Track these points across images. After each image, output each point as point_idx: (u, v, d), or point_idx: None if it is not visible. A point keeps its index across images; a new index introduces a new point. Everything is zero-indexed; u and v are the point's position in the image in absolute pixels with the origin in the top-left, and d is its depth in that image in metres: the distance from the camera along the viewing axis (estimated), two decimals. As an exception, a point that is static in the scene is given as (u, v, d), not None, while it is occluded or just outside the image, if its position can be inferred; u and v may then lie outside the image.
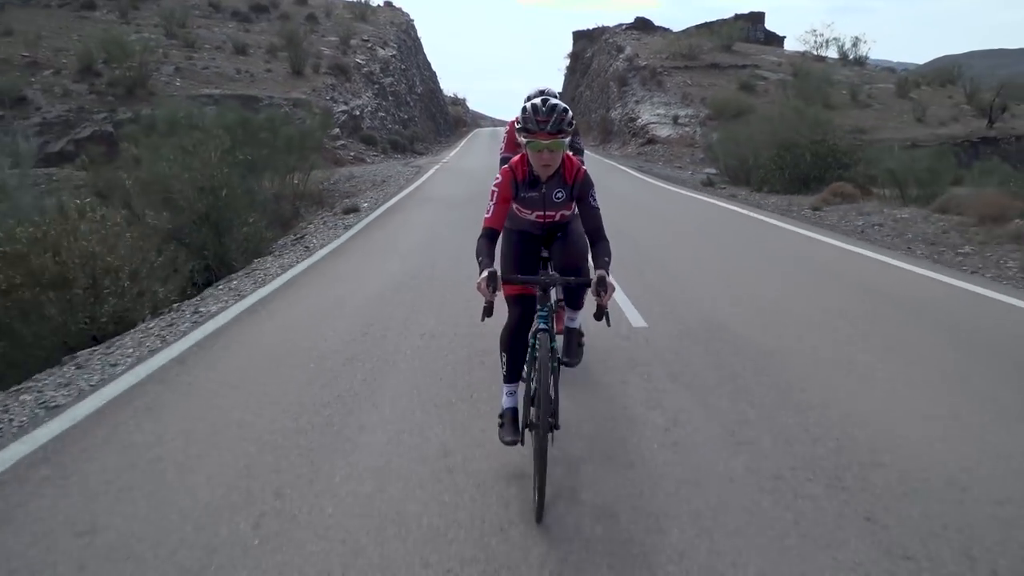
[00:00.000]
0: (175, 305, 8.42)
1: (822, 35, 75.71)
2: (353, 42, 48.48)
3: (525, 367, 4.40)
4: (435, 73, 73.81)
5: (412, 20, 65.44)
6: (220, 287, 9.66)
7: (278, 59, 41.64)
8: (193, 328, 7.53)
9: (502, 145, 6.48)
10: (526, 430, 4.20)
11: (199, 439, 4.88)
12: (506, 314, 4.44)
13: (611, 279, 3.96)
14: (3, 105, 31.22)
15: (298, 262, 11.11)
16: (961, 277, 9.56)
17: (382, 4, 65.52)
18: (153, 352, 6.80)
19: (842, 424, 4.95)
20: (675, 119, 42.22)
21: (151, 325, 7.60)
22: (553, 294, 4.92)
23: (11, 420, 5.44)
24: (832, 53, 60.31)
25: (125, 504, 4.04)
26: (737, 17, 64.52)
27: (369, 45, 49.63)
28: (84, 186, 19.81)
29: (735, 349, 6.64)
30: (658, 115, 43.43)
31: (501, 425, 4.47)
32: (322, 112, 28.50)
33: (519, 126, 4.14)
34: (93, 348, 7.07)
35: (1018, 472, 4.25)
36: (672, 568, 3.36)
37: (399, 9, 66.01)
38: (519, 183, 4.37)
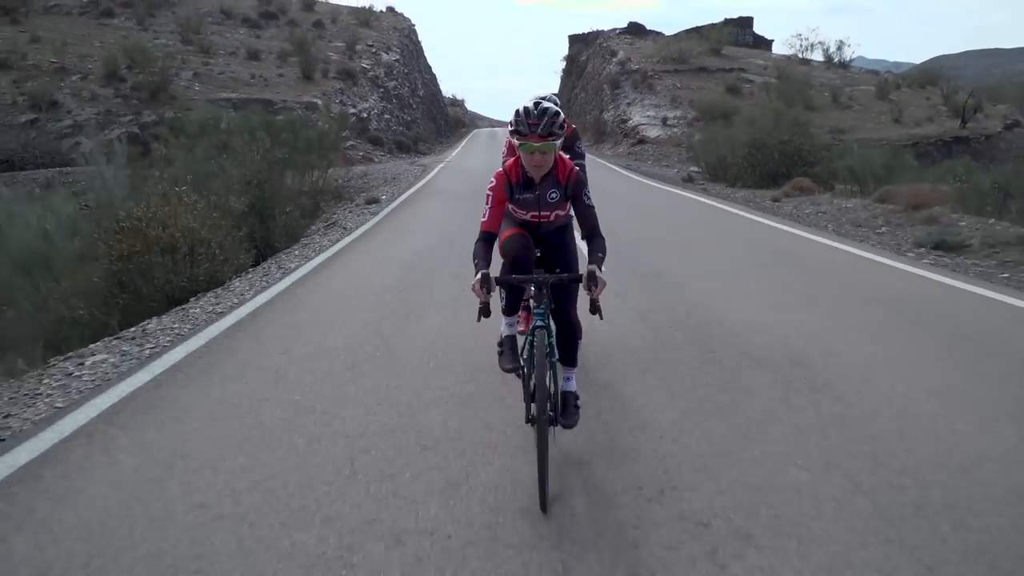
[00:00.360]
0: (251, 269, 11.02)
1: (807, 39, 77.74)
2: (359, 47, 50.98)
3: (524, 365, 4.58)
4: (435, 76, 76.46)
5: (413, 25, 68.19)
6: (285, 254, 12.42)
7: (289, 64, 44.10)
8: (284, 277, 10.39)
9: (504, 150, 6.60)
10: (529, 423, 4.35)
11: (327, 318, 8.07)
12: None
13: (602, 274, 4.09)
14: (38, 109, 33.72)
15: (342, 238, 13.74)
16: (860, 247, 12.08)
17: (384, 9, 68.09)
18: (261, 291, 9.52)
19: (722, 311, 7.66)
20: (664, 120, 44.72)
21: (238, 284, 10.10)
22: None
23: (158, 340, 7.82)
24: (818, 56, 62.91)
25: (300, 343, 7.09)
26: (726, 22, 67.12)
27: (374, 50, 52.14)
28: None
29: (668, 280, 9.58)
30: (648, 117, 45.94)
31: (500, 353, 4.93)
32: (339, 116, 30.89)
33: (511, 128, 4.29)
34: (197, 297, 9.52)
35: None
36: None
37: (401, 14, 68.72)
38: (513, 185, 4.52)
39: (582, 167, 5.94)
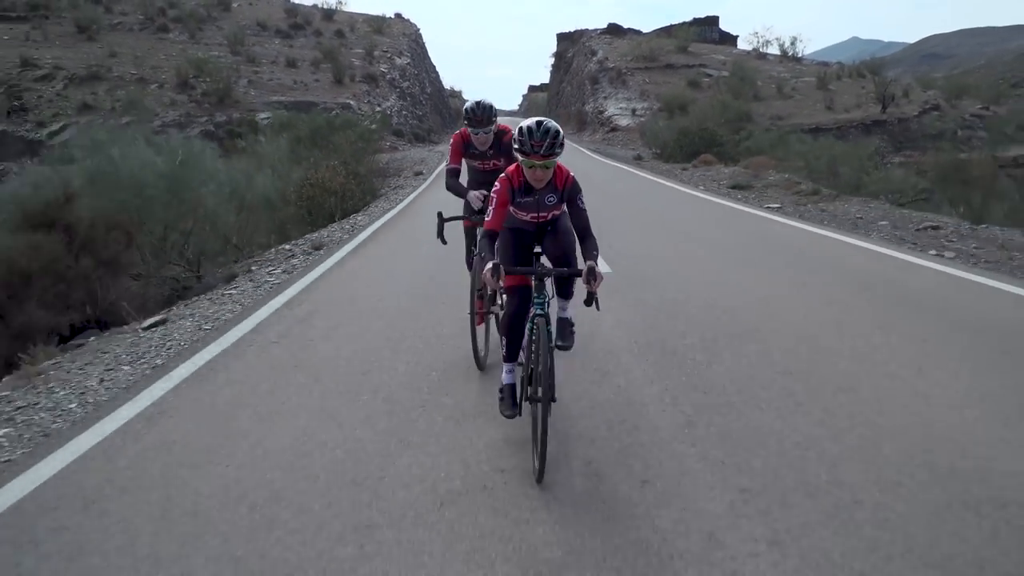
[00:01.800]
0: (369, 203, 20.70)
1: (764, 36, 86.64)
2: (376, 53, 60.59)
3: (522, 350, 5.11)
4: (438, 73, 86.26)
5: (419, 29, 78.00)
6: (383, 200, 21.92)
7: (321, 70, 53.69)
8: (395, 206, 19.68)
9: (448, 157, 7.14)
10: (525, 403, 4.92)
11: (423, 212, 17.05)
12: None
13: (599, 268, 4.56)
14: (132, 113, 43.30)
15: (415, 190, 23.32)
16: (701, 192, 21.63)
17: (393, 16, 77.73)
18: (388, 210, 18.93)
19: (615, 221, 17.18)
20: (634, 111, 54.36)
21: (373, 208, 19.67)
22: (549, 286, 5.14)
23: (340, 237, 17.32)
24: (775, 50, 72.40)
25: (418, 218, 16.13)
26: (694, 21, 76.71)
27: (388, 55, 61.76)
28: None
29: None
30: (621, 108, 55.64)
31: (502, 399, 5.20)
32: (381, 116, 40.60)
33: (516, 147, 4.68)
34: (348, 217, 19.12)
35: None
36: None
37: (408, 20, 78.42)
38: (515, 190, 4.95)
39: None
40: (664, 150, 37.09)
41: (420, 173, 29.10)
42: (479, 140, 6.77)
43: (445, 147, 48.56)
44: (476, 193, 6.69)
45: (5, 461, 5.00)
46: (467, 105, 6.82)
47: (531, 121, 4.67)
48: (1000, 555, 3.56)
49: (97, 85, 45.96)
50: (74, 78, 46.20)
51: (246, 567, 3.63)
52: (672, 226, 15.08)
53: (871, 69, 67.76)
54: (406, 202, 20.70)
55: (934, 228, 12.80)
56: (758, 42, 72.62)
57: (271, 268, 11.83)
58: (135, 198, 11.19)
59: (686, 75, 60.31)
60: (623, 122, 53.10)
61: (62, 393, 6.36)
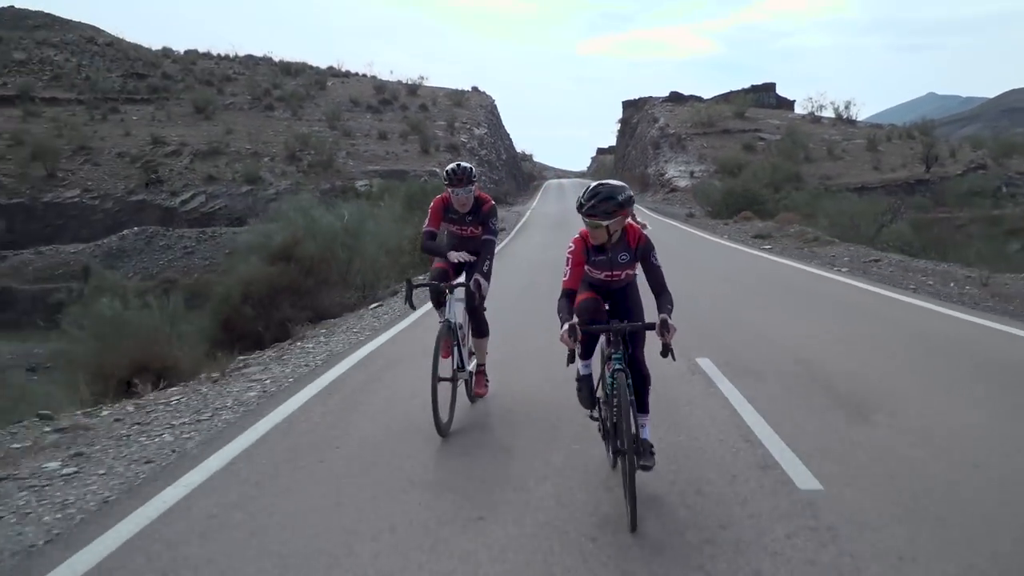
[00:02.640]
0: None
1: (818, 101, 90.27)
2: (456, 124, 67.76)
3: (602, 404, 5.49)
4: (512, 139, 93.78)
5: (494, 101, 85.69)
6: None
7: (408, 141, 60.84)
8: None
9: (427, 220, 7.42)
10: (615, 456, 5.31)
11: (528, 248, 23.02)
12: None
13: (672, 322, 4.90)
14: (251, 183, 50.66)
15: (502, 241, 29.33)
16: (732, 243, 27.18)
17: (470, 89, 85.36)
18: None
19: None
20: (691, 174, 60.15)
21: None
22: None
23: None
24: (830, 114, 77.61)
25: (527, 247, 22.15)
26: (752, 88, 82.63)
27: (468, 126, 68.92)
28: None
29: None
30: (680, 171, 61.54)
31: (579, 390, 5.81)
32: (481, 183, 47.29)
33: (578, 207, 5.13)
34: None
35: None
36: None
37: (484, 93, 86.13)
38: (589, 249, 5.29)
39: (491, 242, 7.32)
40: (714, 208, 42.68)
41: (503, 229, 35.27)
42: (459, 201, 7.06)
43: (521, 208, 55.10)
44: (456, 253, 7.17)
45: (291, 381, 9.69)
46: (448, 167, 7.13)
47: (593, 184, 5.15)
48: None
49: (218, 159, 53.69)
50: (198, 153, 54.03)
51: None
52: (683, 258, 20.73)
53: (921, 131, 72.62)
54: (497, 249, 26.65)
55: (875, 261, 18.32)
56: (812, 106, 78.03)
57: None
58: (331, 242, 17.27)
59: (741, 139, 66.05)
60: (681, 183, 58.88)
61: (312, 347, 11.82)
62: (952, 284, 14.73)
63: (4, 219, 46.16)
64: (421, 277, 7.95)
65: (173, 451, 6.53)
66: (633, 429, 4.90)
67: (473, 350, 7.57)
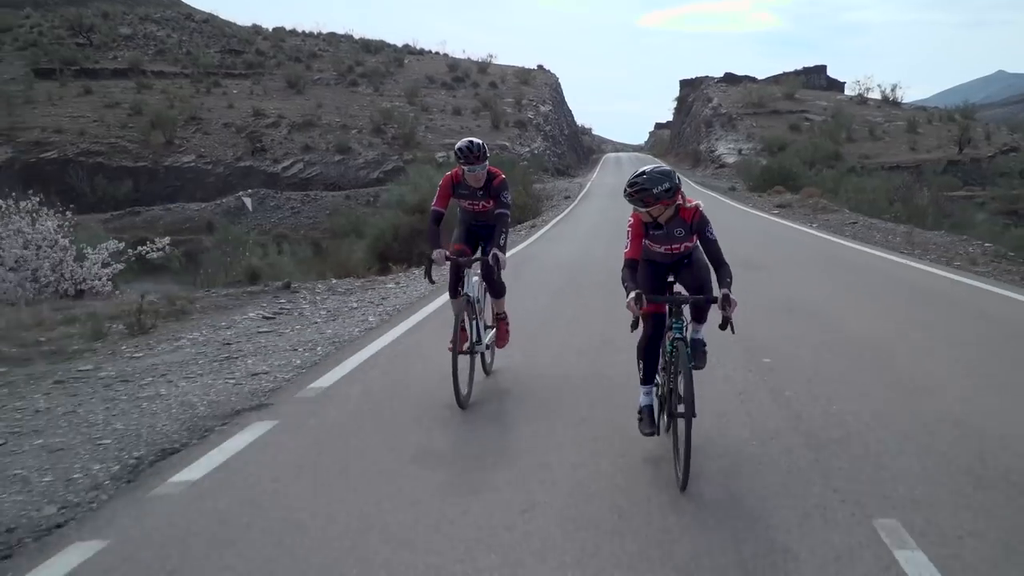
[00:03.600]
0: (541, 214, 33.23)
1: (865, 84, 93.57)
2: (523, 102, 73.95)
3: (660, 372, 5.66)
4: (573, 115, 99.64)
5: (558, 79, 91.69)
6: (550, 210, 34.36)
7: (480, 117, 67.23)
8: (566, 207, 32.03)
9: (435, 198, 7.30)
10: (670, 419, 5.46)
11: (588, 206, 29.38)
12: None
13: (734, 296, 5.11)
14: (342, 152, 57.50)
15: (569, 207, 35.36)
16: (760, 212, 33.13)
17: (536, 68, 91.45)
18: (564, 210, 31.40)
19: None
20: (740, 151, 65.59)
21: (543, 217, 32.16)
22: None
23: (538, 225, 29.72)
24: (876, 95, 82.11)
25: (588, 211, 28.49)
26: (803, 70, 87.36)
27: (534, 103, 75.08)
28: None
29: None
30: (729, 148, 67.05)
31: (640, 419, 5.71)
32: (532, 154, 53.64)
33: (625, 195, 5.30)
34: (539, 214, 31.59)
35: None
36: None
37: (549, 72, 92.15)
38: (647, 224, 5.42)
39: (505, 215, 7.25)
40: (753, 183, 48.31)
41: (568, 197, 41.45)
42: (473, 178, 7.01)
43: (581, 180, 61.26)
44: (440, 252, 7.04)
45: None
46: (460, 144, 7.01)
47: (638, 171, 5.36)
48: None
49: (312, 130, 60.63)
50: (294, 125, 61.02)
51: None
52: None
53: (963, 114, 76.88)
54: (564, 213, 32.87)
55: (853, 223, 24.29)
56: (860, 88, 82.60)
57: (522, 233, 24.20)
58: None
59: (789, 120, 71.18)
60: (730, 160, 64.40)
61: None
62: (891, 237, 20.74)
63: (131, 180, 53.59)
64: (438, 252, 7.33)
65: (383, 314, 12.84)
66: (690, 395, 5.02)
67: (490, 320, 7.66)
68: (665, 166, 5.84)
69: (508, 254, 7.53)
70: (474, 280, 7.13)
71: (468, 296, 6.94)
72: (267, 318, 10.43)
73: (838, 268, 15.70)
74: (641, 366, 5.69)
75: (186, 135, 58.41)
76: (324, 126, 61.67)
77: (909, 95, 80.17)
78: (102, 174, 52.00)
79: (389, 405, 6.75)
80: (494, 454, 5.75)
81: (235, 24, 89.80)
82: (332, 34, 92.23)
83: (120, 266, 14.95)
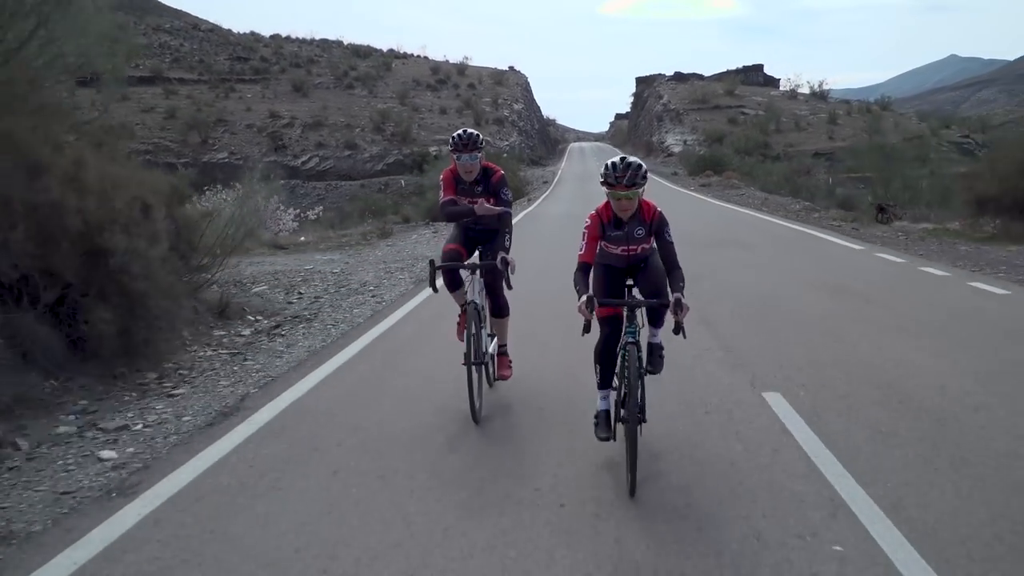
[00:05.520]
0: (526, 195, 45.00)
1: (794, 81, 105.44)
2: (499, 101, 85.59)
3: (615, 376, 5.56)
4: (541, 111, 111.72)
5: (528, 79, 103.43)
6: (530, 191, 46.10)
7: (463, 115, 78.58)
8: (545, 190, 43.71)
9: (441, 192, 7.06)
10: (618, 424, 5.36)
11: (562, 189, 41.22)
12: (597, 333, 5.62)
13: (686, 300, 5.09)
14: (350, 148, 68.79)
15: (548, 189, 46.96)
16: (684, 189, 45.08)
17: (508, 69, 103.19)
18: (545, 190, 43.16)
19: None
20: (685, 142, 77.74)
21: (529, 197, 43.87)
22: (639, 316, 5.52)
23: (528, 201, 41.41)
24: (806, 91, 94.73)
25: (563, 187, 40.28)
26: (743, 69, 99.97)
27: (508, 102, 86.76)
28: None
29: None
30: (676, 140, 79.24)
31: (596, 424, 5.67)
32: (518, 151, 65.38)
33: (601, 180, 5.23)
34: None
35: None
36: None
37: (520, 72, 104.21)
38: (605, 224, 5.47)
39: (507, 214, 6.98)
40: (690, 169, 60.27)
41: (546, 182, 52.94)
42: (464, 168, 6.77)
43: (552, 168, 73.01)
44: (481, 208, 6.73)
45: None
46: (455, 133, 6.82)
47: (616, 157, 5.31)
48: None
49: (322, 129, 71.79)
50: (306, 124, 72.13)
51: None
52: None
53: (881, 106, 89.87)
54: (546, 194, 44.10)
55: (740, 193, 36.27)
56: (791, 85, 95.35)
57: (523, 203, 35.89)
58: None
59: (728, 114, 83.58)
60: (676, 150, 76.55)
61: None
62: (756, 202, 32.75)
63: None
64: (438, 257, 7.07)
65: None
66: (641, 400, 5.15)
67: (493, 331, 7.29)
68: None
69: (520, 216, 8.66)
70: (479, 287, 6.86)
71: (475, 303, 6.68)
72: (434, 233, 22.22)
73: (712, 215, 27.31)
74: (598, 370, 5.70)
75: (216, 135, 69.27)
76: (332, 125, 72.80)
77: (866, 79, 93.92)
78: (156, 169, 62.83)
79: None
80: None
81: (235, 32, 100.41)
82: (325, 40, 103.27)
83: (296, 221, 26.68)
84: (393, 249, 18.93)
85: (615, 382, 5.55)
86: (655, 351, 6.03)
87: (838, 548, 4.24)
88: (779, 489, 5.03)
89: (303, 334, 9.74)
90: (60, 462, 5.77)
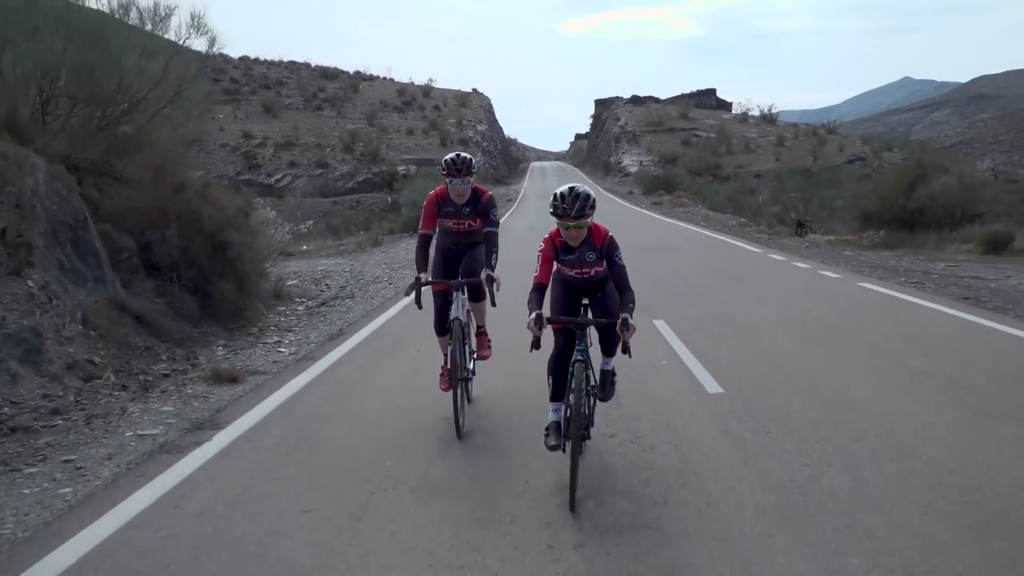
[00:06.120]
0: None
1: (745, 105, 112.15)
2: (464, 122, 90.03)
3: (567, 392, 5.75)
4: (503, 131, 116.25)
5: (491, 100, 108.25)
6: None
7: (429, 136, 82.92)
8: (507, 211, 48.06)
9: (421, 221, 7.31)
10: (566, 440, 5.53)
11: (526, 204, 45.51)
12: (551, 346, 5.88)
13: (633, 321, 5.37)
14: (321, 167, 72.64)
15: (512, 206, 51.15)
16: (639, 208, 49.66)
17: (471, 91, 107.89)
18: (512, 206, 47.48)
19: None
20: (641, 162, 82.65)
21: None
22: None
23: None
24: (757, 113, 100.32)
25: (529, 197, 44.54)
26: (696, 93, 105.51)
27: (473, 123, 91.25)
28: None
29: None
30: (632, 160, 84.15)
31: (547, 434, 5.86)
32: (483, 169, 69.66)
33: (551, 210, 5.45)
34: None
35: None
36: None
37: (482, 94, 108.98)
38: (558, 248, 5.71)
39: (494, 234, 7.14)
40: (645, 188, 64.93)
41: (510, 200, 57.21)
42: (456, 192, 6.96)
43: (516, 187, 77.47)
44: (426, 275, 7.08)
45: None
46: (447, 157, 6.97)
47: (565, 187, 5.47)
48: None
49: (294, 149, 75.57)
50: (279, 144, 75.88)
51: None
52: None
53: (828, 129, 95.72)
54: (511, 210, 48.22)
55: (687, 210, 40.84)
56: (742, 108, 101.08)
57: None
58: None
59: (681, 136, 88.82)
60: (632, 170, 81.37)
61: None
62: (698, 218, 37.28)
63: (153, 191, 67.91)
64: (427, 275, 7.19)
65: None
66: (585, 418, 5.53)
67: (474, 345, 7.63)
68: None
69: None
70: (461, 304, 7.10)
71: (459, 320, 6.95)
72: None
73: (656, 228, 31.84)
74: (550, 382, 5.86)
75: (191, 154, 72.47)
76: (303, 145, 76.61)
77: (823, 100, 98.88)
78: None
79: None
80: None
81: (203, 53, 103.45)
82: (293, 62, 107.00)
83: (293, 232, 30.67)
84: (388, 255, 23.16)
85: (570, 398, 5.70)
86: (607, 377, 6.36)
87: (665, 362, 9.04)
88: (658, 358, 9.46)
89: (349, 306, 14.00)
90: (253, 350, 10.36)
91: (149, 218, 11.43)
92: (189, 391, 8.38)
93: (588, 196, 5.45)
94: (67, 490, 5.74)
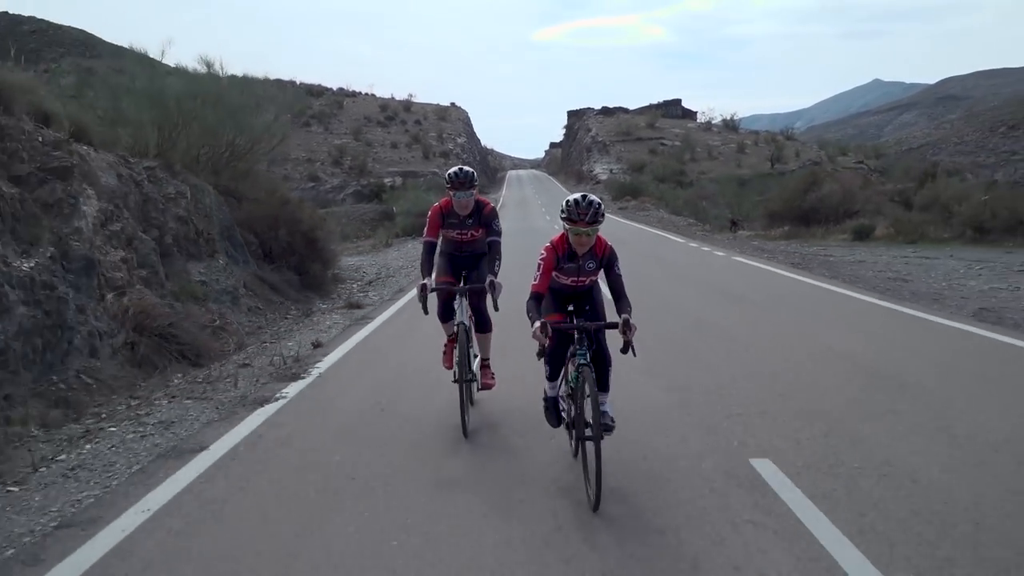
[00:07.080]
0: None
1: (708, 114, 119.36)
2: (444, 135, 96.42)
3: (566, 397, 6.20)
4: (481, 143, 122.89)
5: (468, 114, 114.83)
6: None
7: (412, 149, 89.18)
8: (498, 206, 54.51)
9: (426, 229, 7.74)
10: (578, 443, 5.99)
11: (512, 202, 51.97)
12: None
13: (633, 321, 5.63)
14: (312, 180, 78.75)
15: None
16: (609, 214, 56.23)
17: (450, 105, 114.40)
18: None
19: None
20: (611, 171, 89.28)
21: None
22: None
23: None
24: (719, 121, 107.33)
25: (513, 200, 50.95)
26: (663, 103, 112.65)
27: (452, 136, 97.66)
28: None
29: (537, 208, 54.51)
30: (603, 168, 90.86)
31: (546, 409, 6.43)
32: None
33: (563, 215, 5.69)
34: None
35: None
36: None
37: (461, 108, 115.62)
38: (560, 256, 5.95)
39: (497, 242, 7.62)
40: (614, 194, 71.46)
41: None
42: (460, 204, 7.39)
43: (496, 196, 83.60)
44: (431, 280, 7.48)
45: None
46: (450, 170, 7.44)
47: (578, 195, 5.78)
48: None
49: (286, 163, 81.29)
50: (271, 160, 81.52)
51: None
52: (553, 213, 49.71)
53: (786, 136, 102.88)
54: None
55: (647, 213, 47.44)
56: (706, 117, 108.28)
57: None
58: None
59: (649, 145, 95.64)
60: (603, 178, 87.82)
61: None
62: (654, 221, 43.79)
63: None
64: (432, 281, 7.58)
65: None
66: (602, 417, 5.57)
67: (477, 349, 7.95)
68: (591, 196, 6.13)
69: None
70: (465, 309, 7.47)
71: (463, 324, 7.34)
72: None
73: (614, 228, 37.93)
74: (547, 368, 6.23)
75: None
76: (294, 160, 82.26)
77: (793, 104, 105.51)
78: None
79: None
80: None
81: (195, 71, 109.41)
82: (278, 80, 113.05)
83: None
84: (401, 253, 29.28)
85: (563, 404, 6.29)
86: (605, 420, 6.02)
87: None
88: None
89: (393, 281, 20.35)
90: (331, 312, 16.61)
91: (266, 223, 17.84)
92: (339, 312, 15.12)
93: (600, 204, 5.81)
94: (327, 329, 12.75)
